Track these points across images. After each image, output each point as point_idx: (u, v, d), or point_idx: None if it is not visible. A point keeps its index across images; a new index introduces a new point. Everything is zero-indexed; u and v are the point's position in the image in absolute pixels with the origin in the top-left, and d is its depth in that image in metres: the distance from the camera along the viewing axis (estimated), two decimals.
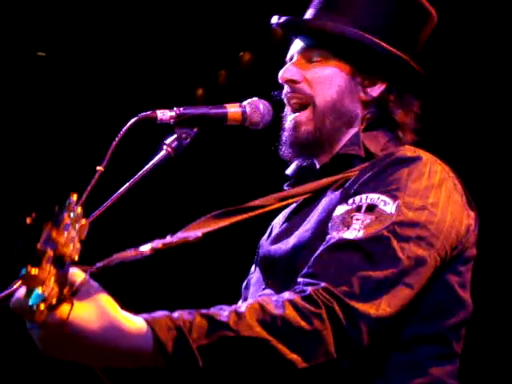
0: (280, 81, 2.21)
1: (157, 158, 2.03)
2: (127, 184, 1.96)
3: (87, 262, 1.63)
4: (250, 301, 1.80)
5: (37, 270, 1.46)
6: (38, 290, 1.47)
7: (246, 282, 2.32)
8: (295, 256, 2.01)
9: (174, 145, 2.02)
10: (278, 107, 2.23)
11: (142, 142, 2.69)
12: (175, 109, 2.04)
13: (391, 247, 1.86)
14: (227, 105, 2.10)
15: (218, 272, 5.78)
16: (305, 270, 1.87)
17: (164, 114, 2.02)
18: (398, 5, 2.21)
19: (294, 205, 2.20)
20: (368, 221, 1.89)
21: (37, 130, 6.17)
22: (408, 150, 2.04)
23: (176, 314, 1.70)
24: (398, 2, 2.21)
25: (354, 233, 1.88)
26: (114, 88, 6.18)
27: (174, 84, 6.16)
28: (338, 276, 1.81)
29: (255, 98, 2.13)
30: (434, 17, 2.26)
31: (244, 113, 2.10)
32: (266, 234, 2.32)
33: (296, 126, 2.18)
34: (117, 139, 1.96)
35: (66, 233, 1.50)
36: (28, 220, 1.49)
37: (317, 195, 2.12)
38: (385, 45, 2.14)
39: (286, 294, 1.80)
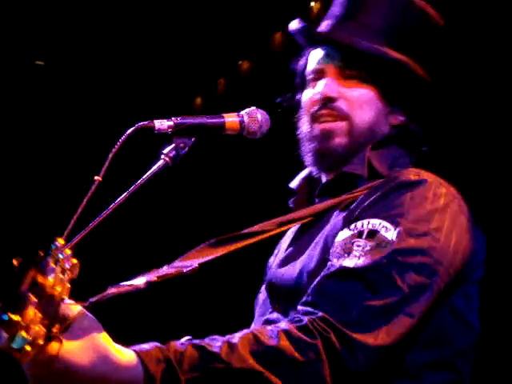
0: (317, 96, 2.15)
1: (155, 167, 2.01)
2: (125, 194, 1.95)
3: (84, 271, 1.63)
4: (243, 331, 1.78)
5: (18, 316, 1.48)
6: (22, 334, 1.49)
7: (256, 300, 2.30)
8: (300, 283, 1.99)
9: (171, 154, 2.01)
10: (276, 116, 2.21)
11: (140, 151, 2.68)
12: (173, 118, 2.02)
13: (391, 276, 1.83)
14: (225, 114, 2.08)
15: (225, 291, 5.72)
16: (304, 298, 1.86)
17: (162, 124, 2.01)
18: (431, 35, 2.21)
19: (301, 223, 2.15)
20: (368, 248, 1.86)
21: (35, 138, 6.17)
22: (412, 173, 2.01)
23: (167, 345, 1.70)
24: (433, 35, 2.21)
25: (354, 260, 1.85)
26: (113, 97, 6.19)
27: (172, 93, 6.16)
28: (336, 305, 1.79)
29: (253, 108, 2.11)
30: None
31: (242, 122, 2.07)
32: (275, 253, 2.31)
33: (329, 135, 2.13)
34: (115, 149, 1.95)
35: (52, 276, 1.53)
36: (14, 262, 1.51)
37: (322, 214, 2.08)
38: (426, 76, 2.14)
39: (283, 324, 1.78)
